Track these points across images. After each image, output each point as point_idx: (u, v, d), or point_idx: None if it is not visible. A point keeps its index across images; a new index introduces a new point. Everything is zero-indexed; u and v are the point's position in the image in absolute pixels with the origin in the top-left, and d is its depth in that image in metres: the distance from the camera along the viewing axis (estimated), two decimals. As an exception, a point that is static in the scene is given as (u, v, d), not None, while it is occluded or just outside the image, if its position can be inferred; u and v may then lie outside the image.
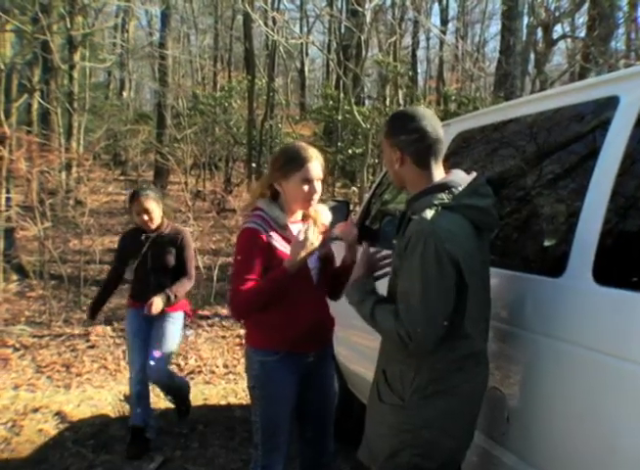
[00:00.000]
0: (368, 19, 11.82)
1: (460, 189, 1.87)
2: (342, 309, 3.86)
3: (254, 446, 2.47)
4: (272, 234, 2.35)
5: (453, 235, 1.78)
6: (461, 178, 1.93)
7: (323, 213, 2.52)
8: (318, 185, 2.38)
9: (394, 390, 1.93)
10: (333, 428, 2.64)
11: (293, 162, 2.35)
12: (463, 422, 1.94)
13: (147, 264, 3.77)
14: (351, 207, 5.05)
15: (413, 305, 1.79)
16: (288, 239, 2.37)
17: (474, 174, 1.97)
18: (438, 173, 1.94)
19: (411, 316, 1.79)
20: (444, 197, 1.85)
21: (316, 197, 2.40)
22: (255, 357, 2.42)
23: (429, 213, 1.80)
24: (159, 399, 4.60)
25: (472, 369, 1.92)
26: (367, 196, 4.28)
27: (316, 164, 2.37)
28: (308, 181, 2.35)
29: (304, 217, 2.48)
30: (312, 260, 2.44)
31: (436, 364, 1.87)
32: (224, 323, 6.70)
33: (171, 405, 4.32)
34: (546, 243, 2.30)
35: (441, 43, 20.91)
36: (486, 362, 1.98)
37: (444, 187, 1.87)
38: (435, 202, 1.83)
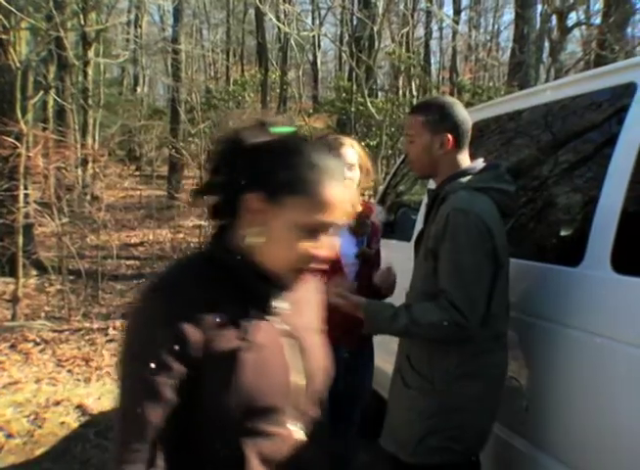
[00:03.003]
0: (380, 10, 11.77)
1: (484, 175, 1.95)
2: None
3: None
4: None
5: (489, 214, 1.85)
6: (483, 165, 2.00)
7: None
8: None
9: (422, 374, 1.92)
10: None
11: None
12: (490, 404, 1.95)
13: None
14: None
15: (465, 283, 1.79)
16: None
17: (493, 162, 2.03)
18: (467, 159, 2.02)
19: (464, 294, 1.78)
20: (474, 180, 1.92)
21: None
22: None
23: (464, 194, 1.87)
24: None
25: (498, 352, 1.94)
26: (382, 188, 4.28)
27: None
28: None
29: None
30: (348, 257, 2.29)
31: (466, 347, 1.86)
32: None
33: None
34: (563, 232, 2.29)
35: (454, 33, 20.77)
36: (507, 346, 1.99)
37: (473, 171, 1.96)
38: (468, 184, 1.90)
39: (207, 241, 1.21)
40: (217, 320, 1.05)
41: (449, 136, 1.95)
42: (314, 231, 1.08)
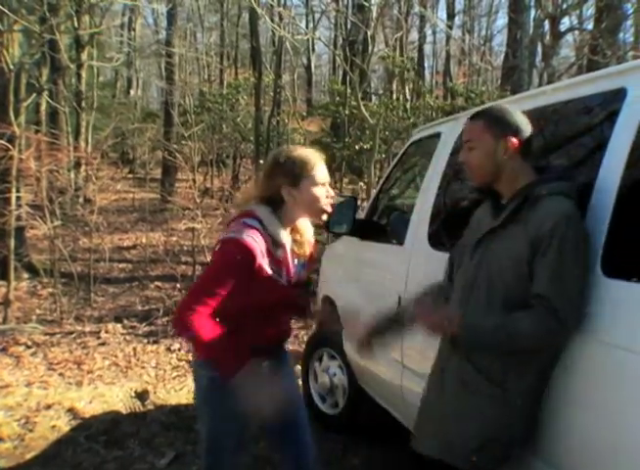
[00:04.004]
0: (374, 14, 11.80)
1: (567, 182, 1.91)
2: (351, 305, 3.88)
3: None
4: (265, 253, 2.02)
5: (581, 218, 1.82)
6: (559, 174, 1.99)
7: (308, 229, 2.25)
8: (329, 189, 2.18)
9: (493, 380, 1.86)
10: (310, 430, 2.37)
11: (304, 165, 2.07)
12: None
13: None
14: (359, 202, 5.04)
15: (571, 292, 1.76)
16: (278, 260, 2.08)
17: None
18: (529, 161, 1.97)
19: (569, 302, 1.75)
20: (566, 186, 1.87)
21: (331, 202, 2.17)
22: (203, 372, 2.14)
23: (562, 201, 1.82)
24: (169, 396, 4.64)
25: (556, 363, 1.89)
26: (374, 191, 4.29)
27: (324, 166, 2.15)
28: (323, 185, 2.10)
29: (291, 231, 2.18)
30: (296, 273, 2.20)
31: (545, 359, 1.84)
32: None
33: (182, 401, 4.35)
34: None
35: (448, 37, 20.86)
36: None
37: (553, 175, 1.93)
38: (562, 189, 1.86)
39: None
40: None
41: (514, 139, 1.91)
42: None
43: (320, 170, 2.10)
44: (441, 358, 2.06)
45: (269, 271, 2.03)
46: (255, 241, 1.97)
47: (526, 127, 1.94)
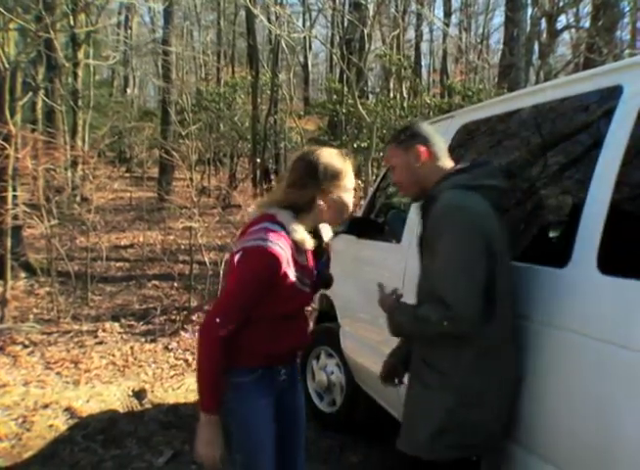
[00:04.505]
0: (371, 12, 11.80)
1: (474, 172, 2.01)
2: (349, 303, 3.88)
3: None
4: (290, 260, 1.96)
5: (478, 211, 1.89)
6: (469, 164, 2.09)
7: (325, 229, 2.20)
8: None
9: (442, 372, 1.96)
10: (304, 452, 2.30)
11: (338, 174, 2.02)
12: (500, 405, 1.98)
13: None
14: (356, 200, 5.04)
15: (456, 279, 1.83)
16: (302, 266, 2.04)
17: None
18: (450, 164, 2.10)
19: (454, 290, 1.82)
20: (465, 180, 1.97)
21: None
22: (227, 379, 2.00)
23: (452, 193, 1.92)
24: (167, 395, 4.64)
25: (509, 352, 1.98)
26: (372, 189, 4.29)
27: (352, 172, 2.10)
28: (352, 191, 2.07)
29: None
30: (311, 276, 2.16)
31: (475, 344, 1.91)
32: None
33: (180, 399, 4.35)
34: (551, 233, 2.30)
35: (445, 36, 20.86)
36: (516, 345, 2.02)
37: (462, 171, 2.03)
38: (457, 182, 1.96)
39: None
40: None
41: (422, 148, 2.05)
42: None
43: (351, 177, 2.07)
44: (412, 364, 2.14)
45: (293, 279, 1.96)
46: (282, 248, 1.90)
47: (434, 136, 2.10)
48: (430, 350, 2.01)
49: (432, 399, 1.97)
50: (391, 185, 2.25)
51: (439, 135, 2.13)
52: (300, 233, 1.98)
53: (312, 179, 1.99)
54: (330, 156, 2.05)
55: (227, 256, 7.38)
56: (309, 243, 2.02)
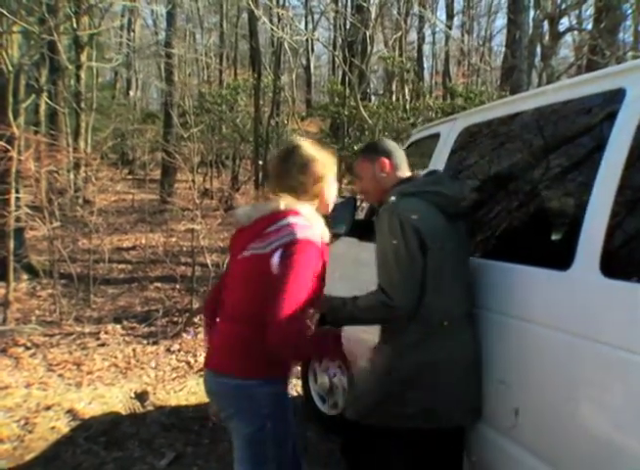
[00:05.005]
0: (373, 14, 11.81)
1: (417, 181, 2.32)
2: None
3: None
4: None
5: (412, 209, 2.16)
6: (427, 173, 2.41)
7: None
8: None
9: (381, 339, 2.30)
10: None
11: (328, 163, 2.13)
12: (435, 385, 2.18)
13: None
14: (358, 203, 5.04)
15: (387, 269, 2.15)
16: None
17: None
18: (408, 174, 2.42)
19: (388, 278, 2.14)
20: (408, 187, 2.27)
21: None
22: (265, 390, 1.99)
23: (393, 198, 2.23)
24: (169, 397, 4.64)
25: (446, 337, 2.17)
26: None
27: None
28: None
29: None
30: None
31: (412, 327, 2.15)
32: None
33: (182, 402, 4.34)
34: (554, 236, 2.30)
35: (447, 38, 20.86)
36: (464, 333, 2.22)
37: (408, 180, 2.35)
38: (400, 190, 2.27)
39: None
40: None
41: (385, 160, 2.36)
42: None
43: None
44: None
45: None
46: (320, 239, 1.98)
47: (396, 150, 2.43)
48: (379, 331, 2.32)
49: (376, 371, 2.28)
50: (358, 193, 2.47)
51: (400, 150, 2.44)
52: (323, 224, 2.04)
53: (314, 169, 2.07)
54: (312, 147, 2.15)
55: (229, 258, 7.34)
56: (327, 236, 2.07)
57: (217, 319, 2.15)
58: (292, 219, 1.95)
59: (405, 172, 2.40)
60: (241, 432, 2.04)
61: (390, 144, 2.46)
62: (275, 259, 1.90)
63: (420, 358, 2.16)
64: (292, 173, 2.05)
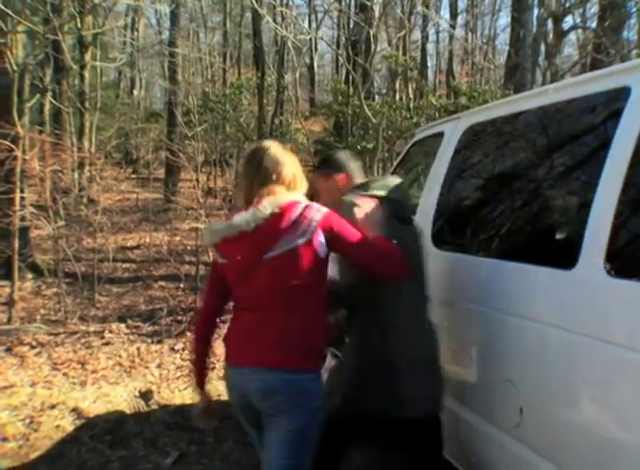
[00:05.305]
0: (377, 13, 11.80)
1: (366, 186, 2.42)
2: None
3: None
4: None
5: (357, 207, 2.24)
6: (377, 179, 2.53)
7: None
8: None
9: (344, 349, 2.44)
10: None
11: (295, 157, 2.32)
12: (375, 379, 2.23)
13: None
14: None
15: (340, 269, 2.33)
16: None
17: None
18: (359, 180, 2.51)
19: (341, 279, 2.33)
20: (359, 191, 2.37)
21: None
22: (318, 384, 2.09)
23: (346, 197, 2.33)
24: (173, 396, 4.64)
25: (389, 333, 2.24)
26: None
27: None
28: None
29: None
30: None
31: (361, 324, 2.30)
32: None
33: (186, 400, 4.35)
34: (558, 235, 2.29)
35: (451, 37, 20.82)
36: (410, 331, 2.26)
37: (359, 186, 2.43)
38: (353, 193, 2.38)
39: None
40: None
41: (339, 176, 2.46)
42: None
43: None
44: None
45: None
46: None
47: (348, 162, 2.51)
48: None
49: (338, 368, 2.47)
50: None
51: (353, 161, 2.52)
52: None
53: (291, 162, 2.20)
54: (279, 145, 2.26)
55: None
56: None
57: (232, 318, 2.36)
58: (302, 205, 2.05)
59: (359, 179, 2.49)
60: (285, 428, 2.02)
61: (342, 157, 2.55)
62: (320, 240, 2.03)
63: (381, 354, 2.22)
64: (272, 169, 2.12)
